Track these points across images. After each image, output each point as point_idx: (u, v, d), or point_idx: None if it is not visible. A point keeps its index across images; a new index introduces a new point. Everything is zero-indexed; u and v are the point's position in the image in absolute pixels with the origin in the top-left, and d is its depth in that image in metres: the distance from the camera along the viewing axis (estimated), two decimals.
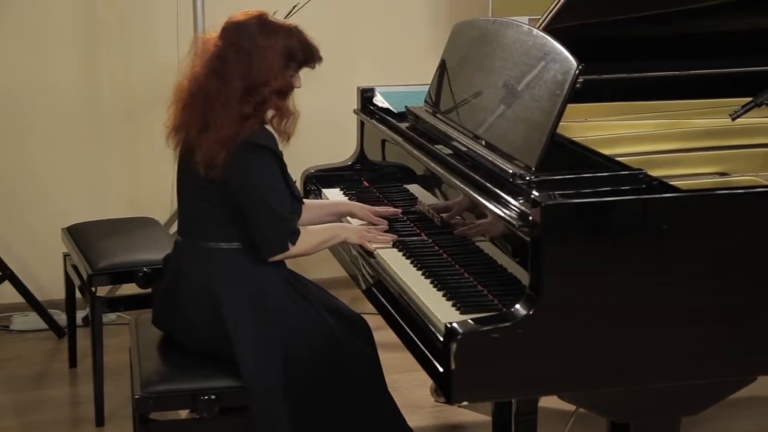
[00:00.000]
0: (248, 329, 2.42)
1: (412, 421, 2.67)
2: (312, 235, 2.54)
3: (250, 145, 2.40)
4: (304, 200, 2.65)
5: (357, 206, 2.77)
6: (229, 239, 2.48)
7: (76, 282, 3.37)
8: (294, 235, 2.46)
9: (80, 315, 3.72)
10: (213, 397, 2.40)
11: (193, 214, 2.52)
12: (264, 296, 2.46)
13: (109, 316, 3.85)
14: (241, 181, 2.41)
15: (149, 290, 2.96)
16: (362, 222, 2.71)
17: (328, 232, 2.60)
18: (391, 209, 2.76)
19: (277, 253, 2.45)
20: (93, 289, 3.17)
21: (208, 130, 2.40)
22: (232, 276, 2.46)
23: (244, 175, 2.40)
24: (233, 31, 2.43)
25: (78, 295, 3.43)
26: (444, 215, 2.51)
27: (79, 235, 3.43)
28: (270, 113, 2.46)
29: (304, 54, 2.46)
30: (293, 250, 2.47)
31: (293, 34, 2.44)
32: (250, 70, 2.39)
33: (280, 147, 2.48)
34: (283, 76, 2.43)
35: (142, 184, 4.09)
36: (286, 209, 2.45)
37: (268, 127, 2.47)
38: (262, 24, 2.43)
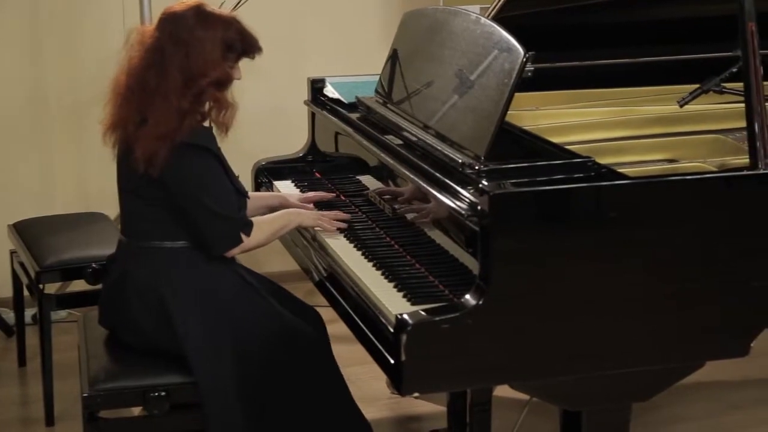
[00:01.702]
0: (198, 327, 2.41)
1: (368, 413, 2.67)
2: (265, 225, 2.53)
3: (188, 146, 2.37)
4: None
5: (284, 197, 2.77)
6: (174, 238, 2.45)
7: (24, 280, 3.33)
8: (246, 226, 2.45)
9: (30, 313, 3.68)
10: (163, 393, 2.39)
11: (135, 214, 2.50)
12: (213, 293, 2.44)
13: (59, 314, 3.82)
14: (182, 183, 2.38)
15: (99, 286, 2.94)
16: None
17: (282, 219, 2.59)
18: (321, 193, 2.79)
19: (232, 247, 2.44)
20: (41, 286, 3.14)
21: (145, 125, 2.37)
22: (179, 275, 2.44)
23: (184, 178, 2.38)
24: (170, 23, 2.41)
25: (26, 293, 3.39)
26: (395, 206, 2.51)
27: (26, 231, 3.39)
28: (208, 105, 2.44)
29: (243, 44, 2.45)
30: (248, 242, 2.46)
31: (231, 24, 2.43)
32: (189, 62, 2.37)
33: (219, 140, 2.46)
34: (221, 67, 2.41)
35: (91, 178, 4.05)
36: (232, 206, 2.44)
37: (206, 124, 2.45)
38: (199, 15, 2.41)
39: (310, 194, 2.80)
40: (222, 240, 2.43)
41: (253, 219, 2.50)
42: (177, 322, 2.40)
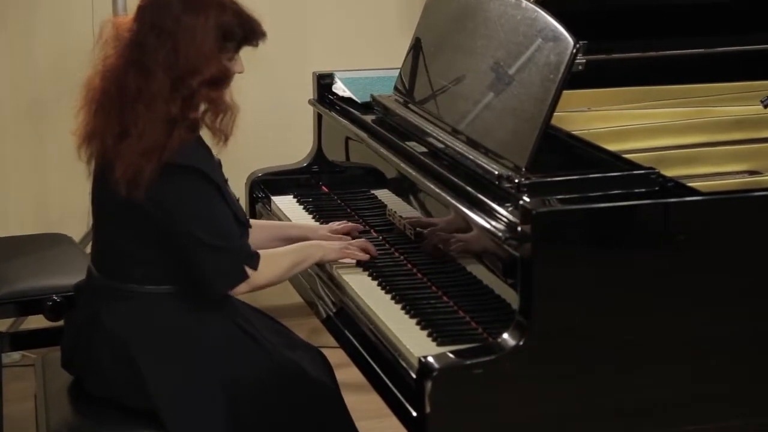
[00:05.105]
0: (175, 388, 2.39)
1: None
2: (277, 258, 2.51)
3: (176, 167, 2.35)
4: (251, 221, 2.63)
5: (309, 229, 2.76)
6: (156, 281, 2.44)
7: None
8: (251, 258, 2.43)
9: None
10: None
11: (112, 247, 2.48)
12: (200, 347, 2.43)
13: (12, 356, 3.84)
14: (169, 213, 2.37)
15: (61, 323, 2.96)
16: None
17: (299, 252, 2.57)
18: (349, 225, 2.76)
19: (236, 284, 2.42)
20: None
21: (127, 138, 2.35)
22: (160, 330, 2.42)
23: (171, 206, 2.36)
24: (152, 11, 2.39)
25: None
26: (418, 227, 2.54)
27: None
28: (201, 107, 2.43)
29: (244, 30, 2.43)
30: (256, 277, 2.43)
31: (226, 6, 2.41)
32: (177, 58, 2.35)
33: (217, 151, 2.46)
34: (217, 61, 2.39)
35: (52, 192, 4.08)
36: (232, 236, 2.42)
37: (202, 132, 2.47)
38: None
39: (335, 224, 2.76)
40: (223, 276, 2.41)
41: (262, 252, 2.48)
42: (151, 384, 2.38)
